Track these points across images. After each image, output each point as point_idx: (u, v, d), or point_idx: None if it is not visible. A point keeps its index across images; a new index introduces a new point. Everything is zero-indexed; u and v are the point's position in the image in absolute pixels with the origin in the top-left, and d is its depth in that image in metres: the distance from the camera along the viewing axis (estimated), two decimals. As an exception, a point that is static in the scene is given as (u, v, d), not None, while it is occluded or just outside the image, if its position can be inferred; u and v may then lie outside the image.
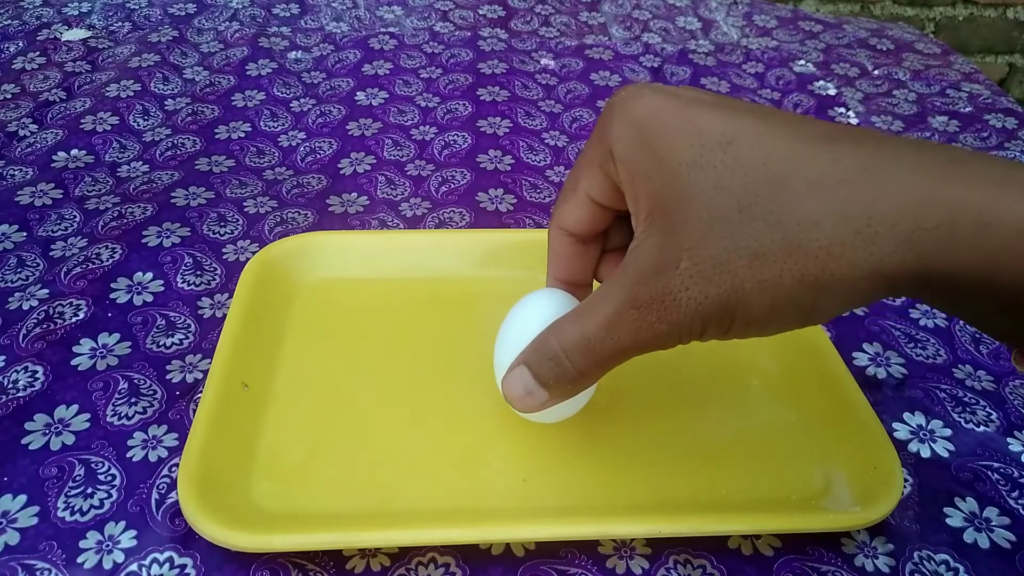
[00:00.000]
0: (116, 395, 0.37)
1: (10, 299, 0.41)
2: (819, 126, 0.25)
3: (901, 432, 0.38)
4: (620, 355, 0.27)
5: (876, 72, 0.71)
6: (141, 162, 0.53)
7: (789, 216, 0.23)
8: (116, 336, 0.40)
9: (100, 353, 0.39)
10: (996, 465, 0.37)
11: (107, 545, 0.31)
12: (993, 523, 0.34)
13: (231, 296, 0.42)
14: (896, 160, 0.23)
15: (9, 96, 0.58)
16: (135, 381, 0.37)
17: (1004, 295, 0.22)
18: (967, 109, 0.66)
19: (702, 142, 0.25)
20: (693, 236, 0.25)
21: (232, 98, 0.60)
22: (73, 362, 0.38)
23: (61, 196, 0.49)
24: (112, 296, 0.42)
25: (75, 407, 0.36)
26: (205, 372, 0.38)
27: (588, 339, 0.27)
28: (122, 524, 0.32)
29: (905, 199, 0.22)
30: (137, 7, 0.70)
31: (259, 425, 0.35)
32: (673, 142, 0.25)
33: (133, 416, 0.36)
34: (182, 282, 0.43)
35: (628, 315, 0.26)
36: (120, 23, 0.68)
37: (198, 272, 0.44)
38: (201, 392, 0.36)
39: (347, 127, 0.58)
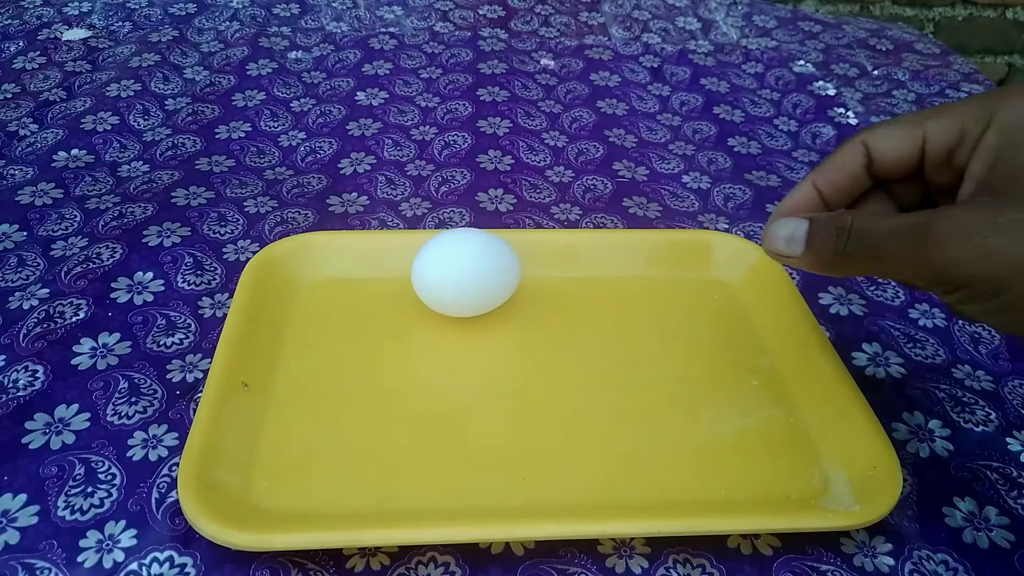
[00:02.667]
0: (116, 394, 0.37)
1: (10, 299, 0.41)
2: None
3: (900, 432, 0.38)
4: (878, 260, 0.29)
5: (875, 72, 0.71)
6: (141, 162, 0.53)
7: None
8: (116, 336, 0.40)
9: (100, 352, 0.39)
10: (995, 465, 0.37)
11: (107, 544, 0.31)
12: (992, 523, 0.34)
13: (231, 296, 0.42)
14: None
15: (9, 96, 0.58)
16: (135, 380, 0.37)
17: None
18: (966, 109, 0.66)
19: None
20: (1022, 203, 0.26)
21: (232, 98, 0.60)
22: (73, 361, 0.38)
23: (61, 196, 0.49)
24: (112, 296, 0.42)
25: (75, 406, 0.36)
26: (205, 372, 0.38)
27: (875, 232, 0.28)
28: (122, 523, 0.32)
29: None
30: (137, 7, 0.70)
31: (259, 425, 0.35)
32: None
33: (133, 415, 0.36)
34: (182, 282, 0.43)
35: (916, 232, 0.27)
36: (120, 23, 0.68)
37: (198, 272, 0.44)
38: (201, 391, 0.36)
39: (347, 127, 0.58)
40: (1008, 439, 0.38)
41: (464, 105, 0.61)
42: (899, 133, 0.30)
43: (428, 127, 0.58)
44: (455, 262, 0.39)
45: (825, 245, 0.30)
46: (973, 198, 0.28)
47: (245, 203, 0.49)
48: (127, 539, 0.31)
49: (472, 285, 0.39)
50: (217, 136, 0.56)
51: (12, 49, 0.63)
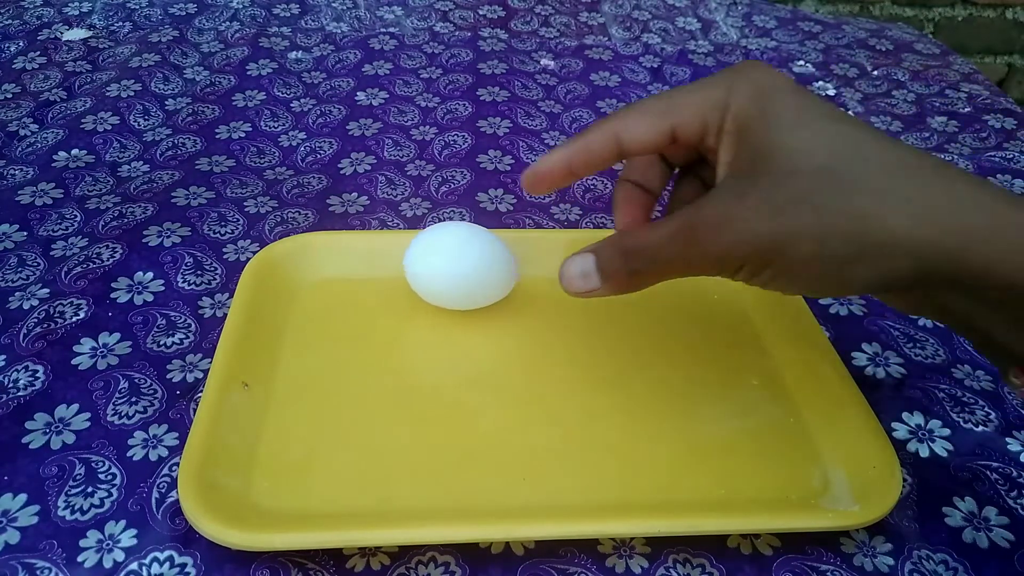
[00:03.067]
0: (116, 394, 0.37)
1: (11, 298, 0.41)
2: (916, 152, 0.28)
3: (900, 432, 0.38)
4: (669, 266, 0.30)
5: (875, 72, 0.71)
6: (141, 162, 0.53)
7: (858, 186, 0.26)
8: (116, 335, 0.40)
9: (100, 352, 0.39)
10: (995, 465, 0.37)
11: (107, 544, 0.31)
12: (992, 523, 0.34)
13: (231, 296, 0.42)
14: (962, 174, 0.26)
15: (10, 96, 0.58)
16: (135, 380, 0.38)
17: None
18: (966, 109, 0.66)
19: (811, 112, 0.28)
20: (767, 182, 0.28)
21: (232, 98, 0.60)
22: (73, 361, 0.38)
23: (62, 196, 0.49)
24: (113, 296, 0.42)
25: (75, 406, 0.36)
26: (205, 371, 0.38)
27: (653, 244, 0.30)
28: (122, 523, 0.32)
29: (960, 196, 0.26)
30: (138, 7, 0.70)
31: (259, 424, 0.35)
32: (786, 105, 0.29)
33: (133, 415, 0.36)
34: (182, 282, 0.43)
35: (686, 231, 0.29)
36: (121, 23, 0.68)
37: (198, 272, 0.44)
38: (201, 391, 0.36)
39: (347, 127, 0.58)
40: (1008, 439, 0.38)
41: (464, 105, 0.61)
42: (647, 123, 0.31)
43: (428, 127, 0.58)
44: (445, 250, 0.40)
45: (617, 271, 0.32)
46: (723, 183, 0.30)
47: (245, 203, 0.49)
48: (127, 539, 0.31)
49: (463, 276, 0.40)
50: (217, 136, 0.56)
51: (12, 49, 0.64)
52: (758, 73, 0.30)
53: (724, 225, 0.28)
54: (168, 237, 0.46)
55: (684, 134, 0.31)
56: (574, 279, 0.33)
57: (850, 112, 0.64)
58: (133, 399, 0.37)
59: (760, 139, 0.28)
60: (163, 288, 0.43)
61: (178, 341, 0.40)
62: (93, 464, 0.34)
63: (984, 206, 0.26)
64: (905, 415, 0.39)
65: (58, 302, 0.41)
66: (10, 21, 0.67)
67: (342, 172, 0.53)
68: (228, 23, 0.69)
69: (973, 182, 0.26)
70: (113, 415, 0.36)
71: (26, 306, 0.41)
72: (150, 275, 0.43)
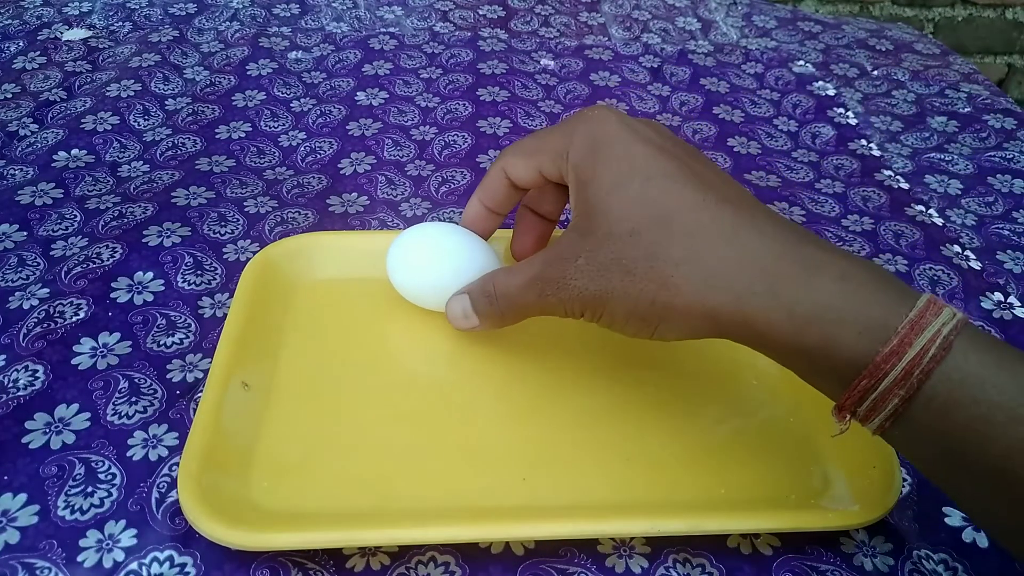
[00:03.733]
0: (116, 394, 0.37)
1: (10, 298, 0.41)
2: (732, 186, 0.31)
3: (900, 432, 0.38)
4: (527, 309, 0.35)
5: (875, 72, 0.71)
6: (141, 162, 0.53)
7: (662, 252, 0.29)
8: (116, 335, 0.40)
9: (100, 352, 0.39)
10: (995, 465, 0.37)
11: (107, 544, 0.31)
12: (992, 522, 0.34)
13: (231, 296, 0.42)
14: (758, 231, 0.29)
15: (9, 96, 0.58)
16: (135, 380, 0.38)
17: (804, 355, 0.28)
18: (966, 110, 0.66)
19: (629, 172, 0.30)
20: (592, 242, 0.31)
21: (232, 98, 0.60)
22: (73, 361, 0.38)
23: (62, 196, 0.49)
24: (112, 295, 0.42)
25: (75, 406, 0.36)
26: (205, 371, 0.38)
27: (512, 291, 0.35)
28: (122, 523, 0.32)
29: (748, 266, 0.28)
30: (137, 7, 0.70)
31: (259, 424, 0.35)
32: (609, 165, 0.31)
33: (133, 415, 0.36)
34: (182, 282, 0.43)
35: (536, 283, 0.33)
36: (120, 23, 0.68)
37: (198, 272, 0.44)
38: (201, 391, 0.36)
39: (347, 127, 0.58)
40: (1008, 439, 0.38)
41: (464, 105, 0.61)
42: (522, 164, 0.35)
43: (428, 127, 0.58)
44: (422, 252, 0.39)
45: (487, 311, 0.36)
46: (565, 237, 0.32)
47: (245, 203, 0.49)
48: (127, 539, 0.31)
49: (440, 277, 0.39)
50: (217, 136, 0.56)
51: (12, 49, 0.64)
52: (594, 124, 0.32)
53: (561, 282, 0.32)
54: (168, 237, 0.46)
55: (547, 175, 0.35)
56: (457, 318, 0.37)
57: (850, 113, 0.64)
58: (133, 399, 0.37)
59: (590, 197, 0.31)
60: (163, 288, 0.43)
61: (178, 341, 0.40)
62: (93, 464, 0.34)
63: (767, 270, 0.28)
64: (905, 415, 0.39)
65: (58, 302, 0.41)
66: (10, 21, 0.67)
67: (342, 172, 0.53)
68: (228, 23, 0.69)
69: (770, 240, 0.28)
70: (113, 415, 0.36)
71: (26, 306, 0.41)
72: (150, 275, 0.43)
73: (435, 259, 0.39)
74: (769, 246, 0.28)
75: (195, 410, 0.35)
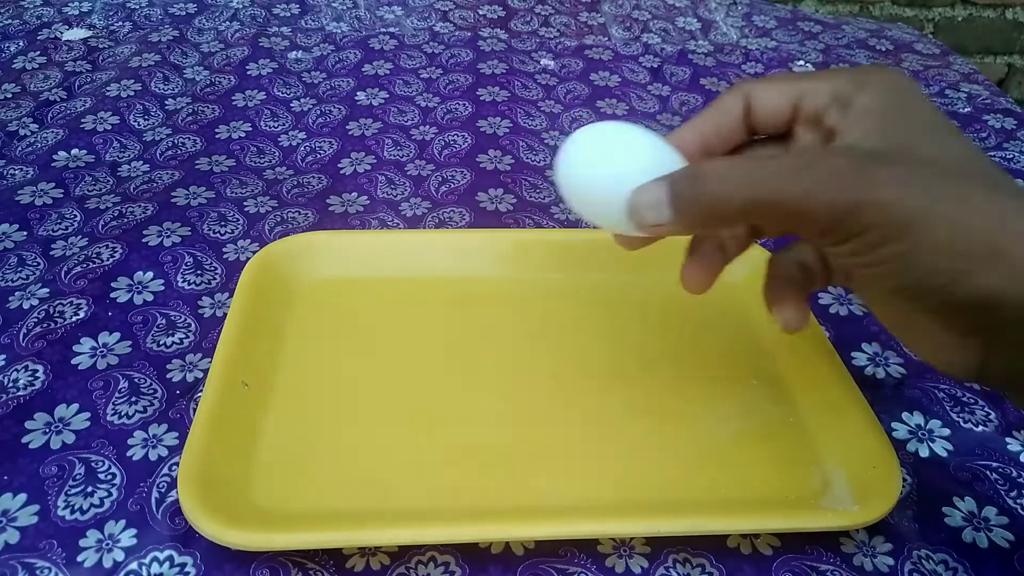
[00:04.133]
0: (116, 394, 0.37)
1: (10, 298, 0.41)
2: None
3: (900, 432, 0.38)
4: (770, 204, 0.26)
5: (875, 73, 0.71)
6: (141, 161, 0.53)
7: (998, 194, 0.25)
8: (116, 335, 0.40)
9: (100, 352, 0.39)
10: (995, 465, 0.37)
11: (107, 544, 0.31)
12: (992, 523, 0.34)
13: (231, 295, 0.42)
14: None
15: (10, 96, 0.58)
16: (135, 380, 0.38)
17: None
18: (966, 110, 0.66)
19: (936, 116, 0.28)
20: (918, 161, 0.26)
21: (232, 98, 0.60)
22: (73, 361, 0.38)
23: (62, 195, 0.49)
24: (112, 295, 0.42)
25: (75, 406, 0.36)
26: (205, 371, 0.38)
27: (761, 175, 0.26)
28: (122, 523, 0.32)
29: None
30: (137, 7, 0.70)
31: (259, 424, 0.35)
32: (921, 107, 0.29)
33: (133, 415, 0.36)
34: (182, 281, 0.43)
35: (818, 171, 0.25)
36: (120, 23, 0.68)
37: (198, 271, 0.44)
38: (201, 391, 0.36)
39: (347, 127, 0.58)
40: (1008, 439, 0.38)
41: (464, 105, 0.61)
42: (777, 88, 0.31)
43: (428, 127, 0.58)
44: (605, 147, 0.33)
45: (692, 196, 0.28)
46: (857, 144, 0.28)
47: (245, 203, 0.49)
48: (127, 539, 0.31)
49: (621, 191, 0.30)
50: (217, 136, 0.56)
51: (12, 49, 0.63)
52: (897, 75, 0.29)
53: (868, 177, 0.25)
54: (168, 237, 0.46)
55: (808, 109, 0.30)
56: (642, 210, 0.29)
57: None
58: (133, 399, 0.37)
59: (901, 133, 0.27)
60: (163, 288, 0.43)
61: (178, 341, 0.40)
62: (93, 464, 0.34)
63: None
64: (905, 415, 0.39)
65: (58, 302, 0.41)
66: (10, 21, 0.67)
67: (342, 172, 0.53)
68: (228, 23, 0.69)
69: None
70: (113, 415, 0.36)
71: (26, 306, 0.41)
72: (150, 275, 0.43)
73: (621, 158, 0.31)
74: None
75: (195, 410, 0.35)
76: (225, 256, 0.45)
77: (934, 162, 0.26)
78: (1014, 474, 0.36)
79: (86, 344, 0.39)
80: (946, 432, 0.38)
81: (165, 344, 0.39)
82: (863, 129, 0.28)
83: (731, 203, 0.27)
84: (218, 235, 0.46)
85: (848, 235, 0.25)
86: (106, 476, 0.33)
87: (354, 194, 0.51)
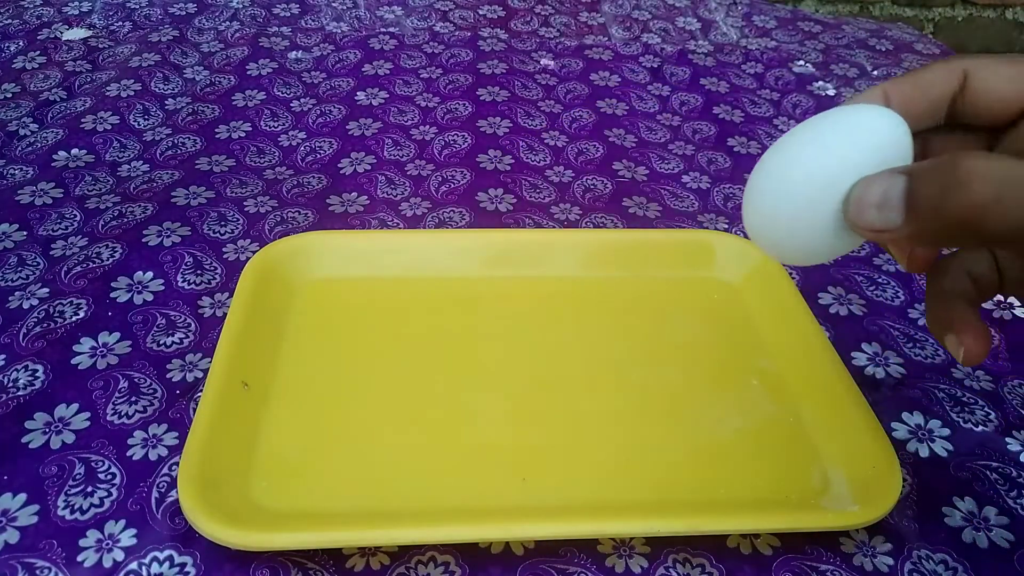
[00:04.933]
0: (116, 394, 0.37)
1: (10, 298, 0.41)
2: None
3: (900, 432, 0.38)
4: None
5: (875, 72, 0.71)
6: (141, 161, 0.53)
7: None
8: (116, 335, 0.40)
9: (100, 352, 0.39)
10: (995, 465, 0.37)
11: (107, 544, 0.31)
12: (992, 523, 0.34)
13: (231, 295, 0.42)
14: None
15: (9, 95, 0.58)
16: (135, 380, 0.38)
17: None
18: (966, 110, 0.66)
19: None
20: None
21: (232, 98, 0.60)
22: (73, 361, 0.38)
23: (61, 195, 0.49)
24: (112, 295, 0.42)
25: (75, 406, 0.36)
26: (205, 371, 0.38)
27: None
28: (122, 523, 0.32)
29: None
30: (137, 7, 0.70)
31: (259, 424, 0.35)
32: None
33: (133, 415, 0.36)
34: (182, 281, 0.43)
35: None
36: (120, 23, 0.68)
37: (198, 271, 0.44)
38: (201, 391, 0.36)
39: (347, 127, 0.58)
40: (1007, 439, 0.38)
41: (464, 105, 0.61)
42: (1009, 70, 0.25)
43: (428, 127, 0.58)
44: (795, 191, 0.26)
45: (950, 199, 0.22)
46: None
47: (245, 203, 0.49)
48: (127, 538, 0.31)
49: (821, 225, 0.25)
50: (217, 136, 0.56)
51: (12, 49, 0.63)
52: None
53: None
54: (168, 237, 0.46)
55: None
56: (866, 208, 0.24)
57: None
58: (133, 399, 0.37)
59: None
60: (163, 288, 0.43)
61: (178, 341, 0.40)
62: (93, 464, 0.34)
63: None
64: (905, 415, 0.39)
65: (58, 302, 0.41)
66: (10, 21, 0.67)
67: (342, 172, 0.53)
68: (228, 23, 0.69)
69: None
70: (113, 415, 0.36)
71: (26, 305, 0.41)
72: (150, 275, 0.43)
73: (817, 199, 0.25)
74: None
75: (195, 410, 0.35)
76: (225, 256, 0.45)
77: None
78: (1014, 474, 0.36)
79: (86, 344, 0.39)
80: (946, 432, 0.38)
81: (165, 344, 0.39)
82: None
83: (1001, 219, 0.21)
84: (218, 235, 0.46)
85: None
86: (106, 476, 0.33)
87: (354, 194, 0.51)
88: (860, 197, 0.24)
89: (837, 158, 0.25)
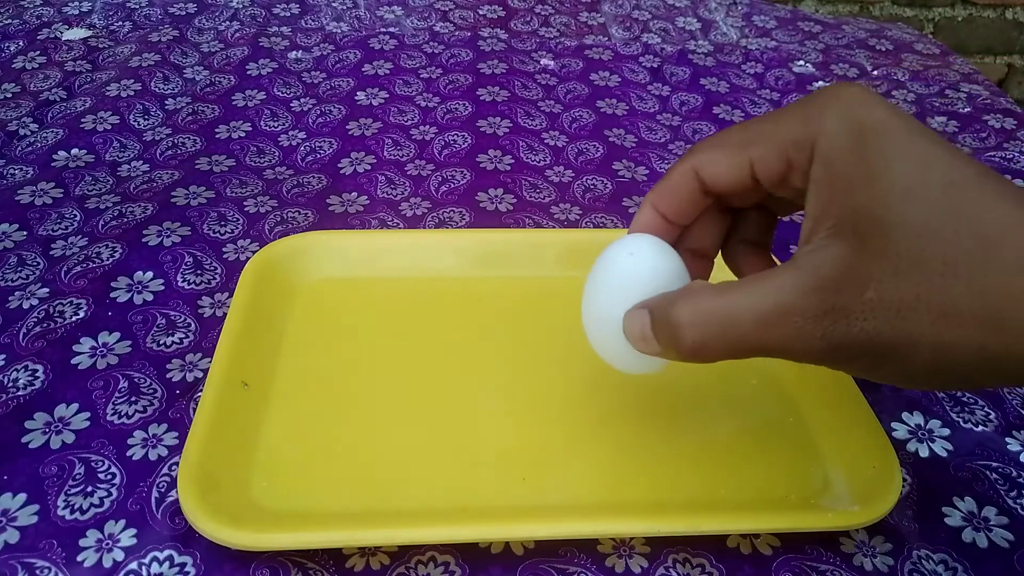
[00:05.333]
0: (116, 394, 0.37)
1: (10, 298, 0.41)
2: None
3: (900, 431, 0.38)
4: (751, 352, 0.26)
5: (875, 72, 0.71)
6: (141, 161, 0.53)
7: (993, 287, 0.22)
8: (116, 335, 0.40)
9: (100, 352, 0.39)
10: (994, 465, 0.37)
11: (107, 543, 0.31)
12: (991, 522, 0.34)
13: (231, 295, 0.42)
14: None
15: (9, 95, 0.58)
16: (135, 380, 0.38)
17: None
18: (966, 110, 0.66)
19: (923, 174, 0.23)
20: (887, 269, 0.23)
21: (232, 98, 0.60)
22: (73, 361, 0.38)
23: (61, 195, 0.49)
24: (112, 295, 0.42)
25: (75, 406, 0.36)
26: (205, 371, 0.38)
27: (729, 323, 0.25)
28: (122, 522, 0.32)
29: None
30: (137, 7, 0.70)
31: (259, 424, 0.35)
32: (892, 163, 0.23)
33: (133, 415, 0.36)
34: (182, 281, 0.43)
35: (790, 320, 0.24)
36: (120, 22, 0.68)
37: (198, 271, 0.44)
38: (201, 391, 0.36)
39: (347, 127, 0.58)
40: (1007, 439, 0.38)
41: (464, 105, 0.61)
42: (727, 160, 0.27)
43: (428, 127, 0.58)
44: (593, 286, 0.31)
45: (673, 343, 0.27)
46: (822, 252, 0.24)
47: (245, 203, 0.49)
48: (127, 538, 0.31)
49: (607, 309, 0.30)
50: (217, 136, 0.56)
51: (12, 49, 0.63)
52: (855, 107, 0.25)
53: (840, 322, 0.24)
54: (168, 237, 0.46)
55: (763, 172, 0.27)
56: (635, 338, 0.28)
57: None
58: (133, 398, 0.37)
59: (867, 202, 0.24)
60: (163, 288, 0.43)
61: (178, 340, 0.40)
62: (93, 464, 0.34)
63: None
64: (905, 415, 0.39)
65: (58, 301, 0.41)
66: (10, 20, 0.67)
67: (342, 172, 0.53)
68: (228, 23, 0.69)
69: None
70: (113, 415, 0.36)
71: (26, 305, 0.41)
72: (150, 274, 0.43)
73: (607, 292, 0.30)
74: None
75: (195, 410, 0.35)
76: (225, 256, 0.45)
77: (917, 259, 0.23)
78: (1014, 474, 0.36)
79: (86, 344, 0.39)
80: (946, 432, 0.38)
81: (165, 344, 0.39)
82: (822, 203, 0.25)
83: (719, 352, 0.26)
84: (218, 235, 0.46)
85: (842, 365, 0.25)
86: (106, 476, 0.33)
87: (354, 194, 0.51)
88: (627, 332, 0.28)
89: (606, 297, 0.30)
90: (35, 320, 0.40)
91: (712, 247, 0.31)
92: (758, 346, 0.25)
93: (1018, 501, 0.35)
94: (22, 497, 0.32)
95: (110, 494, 0.33)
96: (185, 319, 0.41)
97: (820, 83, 0.68)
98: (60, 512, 0.32)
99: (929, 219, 0.23)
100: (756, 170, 0.27)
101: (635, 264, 0.30)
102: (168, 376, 0.38)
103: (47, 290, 0.42)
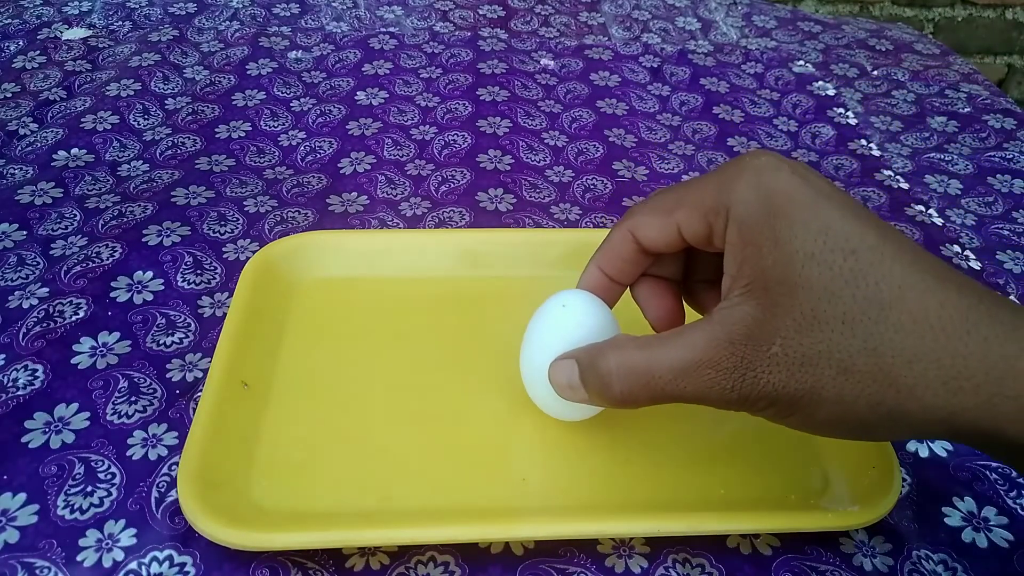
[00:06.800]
0: (116, 393, 0.37)
1: (10, 298, 0.41)
2: (933, 261, 0.26)
3: (900, 432, 0.38)
4: (672, 399, 0.28)
5: (875, 73, 0.71)
6: (141, 161, 0.53)
7: (887, 346, 0.24)
8: (116, 335, 0.40)
9: (100, 352, 0.39)
10: (994, 465, 0.37)
11: (107, 543, 0.31)
12: (991, 523, 0.34)
13: (231, 295, 0.42)
14: (994, 320, 0.24)
15: (9, 95, 0.58)
16: (135, 380, 0.38)
17: None
18: (966, 110, 0.66)
19: (825, 241, 0.25)
20: (791, 326, 0.25)
21: (232, 97, 0.60)
22: (73, 360, 0.38)
23: (61, 195, 0.49)
24: (112, 295, 0.42)
25: (75, 405, 0.36)
26: (205, 371, 0.38)
27: (651, 374, 0.28)
28: (122, 522, 0.32)
29: (995, 364, 0.24)
30: (137, 6, 0.70)
31: (259, 424, 0.35)
32: (797, 229, 0.26)
33: (133, 415, 0.36)
34: (182, 281, 0.43)
35: (703, 372, 0.27)
36: (120, 22, 0.68)
37: (198, 271, 0.44)
38: (201, 391, 0.36)
39: (347, 127, 0.58)
40: (1007, 439, 0.38)
41: (464, 105, 0.61)
42: (657, 224, 0.30)
43: (428, 127, 0.58)
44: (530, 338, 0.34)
45: (601, 391, 0.29)
46: (736, 311, 0.27)
47: (245, 202, 0.49)
48: (127, 538, 0.31)
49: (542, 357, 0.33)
50: (217, 136, 0.56)
51: (12, 48, 0.63)
52: (764, 176, 0.27)
53: (747, 375, 0.26)
54: (168, 236, 0.46)
55: (689, 234, 0.29)
56: (562, 387, 0.31)
57: (850, 113, 0.64)
58: (133, 398, 0.37)
59: (774, 266, 0.26)
60: (163, 287, 0.43)
61: (178, 340, 0.40)
62: (92, 463, 0.34)
63: (1018, 370, 0.23)
64: (905, 415, 0.39)
65: (57, 301, 0.41)
66: (10, 20, 0.67)
67: (342, 172, 0.53)
68: (228, 23, 0.69)
69: (1008, 330, 0.24)
70: (112, 414, 0.36)
71: (25, 305, 0.41)
72: (150, 274, 0.43)
73: (544, 340, 0.33)
74: (1009, 336, 0.24)
75: (195, 410, 0.35)
76: (225, 256, 0.45)
77: (816, 318, 0.25)
78: (1014, 474, 0.36)
79: (86, 344, 0.39)
80: (946, 432, 0.38)
81: (165, 344, 0.39)
82: (737, 264, 0.27)
83: (645, 400, 0.29)
84: (218, 235, 0.46)
85: (755, 412, 0.27)
86: (106, 476, 0.33)
87: (354, 194, 0.51)
88: (552, 380, 0.31)
89: (538, 347, 0.33)
90: (35, 320, 0.40)
91: (625, 280, 0.33)
92: (676, 395, 0.28)
93: (1018, 501, 0.35)
94: (22, 497, 0.32)
95: (110, 494, 0.33)
96: (185, 319, 0.41)
97: (820, 83, 0.68)
98: (60, 512, 0.32)
99: (830, 282, 0.25)
100: (683, 232, 0.29)
101: (565, 316, 0.32)
102: (168, 376, 0.38)
103: (47, 290, 0.42)
